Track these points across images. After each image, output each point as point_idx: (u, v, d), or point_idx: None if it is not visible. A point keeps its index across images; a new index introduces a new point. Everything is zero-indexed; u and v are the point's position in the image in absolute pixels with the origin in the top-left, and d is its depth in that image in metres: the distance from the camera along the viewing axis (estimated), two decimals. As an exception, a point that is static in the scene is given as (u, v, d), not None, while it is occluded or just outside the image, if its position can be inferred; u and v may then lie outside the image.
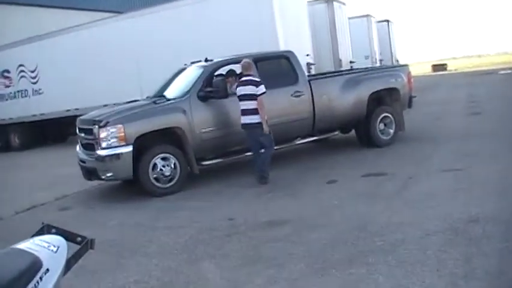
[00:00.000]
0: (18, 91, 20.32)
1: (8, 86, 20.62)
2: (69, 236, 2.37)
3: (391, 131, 10.35)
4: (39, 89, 19.62)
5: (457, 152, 9.06)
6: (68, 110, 18.02)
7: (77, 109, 17.47)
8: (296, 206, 6.83)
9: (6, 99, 20.68)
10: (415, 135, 11.00)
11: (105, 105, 15.01)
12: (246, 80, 8.13)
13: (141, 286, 4.72)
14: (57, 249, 2.13)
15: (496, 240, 4.71)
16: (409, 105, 11.05)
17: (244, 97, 8.07)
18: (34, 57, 19.38)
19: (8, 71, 20.51)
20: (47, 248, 2.09)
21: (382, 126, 10.26)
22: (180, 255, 5.40)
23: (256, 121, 7.98)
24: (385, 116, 10.28)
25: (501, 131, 10.61)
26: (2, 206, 9.12)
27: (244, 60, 8.41)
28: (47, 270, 1.97)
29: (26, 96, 20.12)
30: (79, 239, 2.41)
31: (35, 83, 19.74)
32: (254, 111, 7.97)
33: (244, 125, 8.15)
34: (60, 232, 2.34)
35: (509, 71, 34.31)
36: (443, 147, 9.58)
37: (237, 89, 8.16)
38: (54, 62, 18.64)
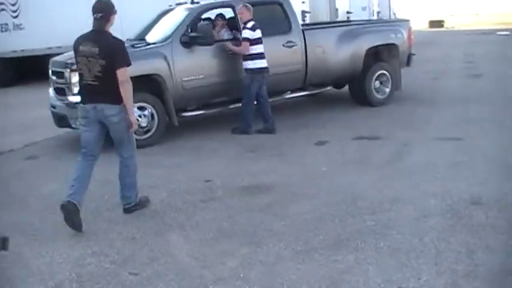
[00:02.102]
0: (-1, 24, 19.34)
1: (-14, 19, 19.60)
2: None
3: (387, 89, 9.73)
4: (20, 24, 18.64)
5: (457, 118, 8.47)
6: (49, 48, 17.20)
7: (59, 47, 16.65)
8: (280, 169, 6.25)
9: (-15, 33, 19.71)
10: (412, 96, 10.36)
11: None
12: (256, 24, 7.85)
13: (98, 259, 4.16)
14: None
15: (501, 230, 4.17)
16: (408, 64, 10.38)
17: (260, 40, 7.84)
18: (15, -12, 18.35)
19: (-14, 3, 19.45)
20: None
21: (377, 84, 9.63)
22: (146, 223, 4.85)
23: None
24: (381, 74, 9.63)
25: (503, 97, 10.01)
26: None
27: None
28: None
29: (6, 30, 19.12)
30: None
31: (15, 17, 18.74)
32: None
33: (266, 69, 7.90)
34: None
35: (507, 32, 33.55)
36: (442, 112, 8.97)
37: (256, 31, 7.76)
38: (36, -4, 17.69)
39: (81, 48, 4.81)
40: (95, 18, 4.82)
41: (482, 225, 4.26)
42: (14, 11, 18.72)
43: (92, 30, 4.89)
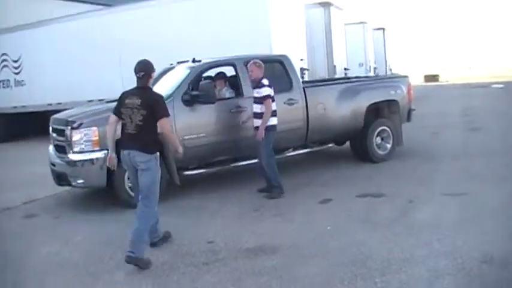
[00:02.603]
0: (0, 81, 19.52)
1: (-11, 75, 19.79)
2: None
3: (389, 145, 9.71)
4: (22, 80, 18.89)
5: (460, 172, 8.42)
6: (50, 104, 17.31)
7: (59, 103, 16.81)
8: (285, 229, 6.11)
9: (-14, 88, 19.85)
10: (414, 151, 10.34)
11: (90, 101, 14.48)
12: None
13: (99, 327, 3.99)
14: None
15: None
16: (409, 119, 10.41)
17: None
18: (18, 46, 18.61)
19: (-10, 60, 19.68)
20: None
21: (379, 140, 9.62)
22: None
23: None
24: (382, 130, 9.64)
25: (504, 150, 10.00)
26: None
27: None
28: None
29: (7, 86, 19.35)
30: None
31: (17, 74, 19.00)
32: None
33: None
34: None
35: (501, 86, 33.97)
36: (445, 166, 8.92)
37: (272, 88, 7.60)
38: (39, 53, 17.92)
39: (126, 101, 5.44)
40: (138, 77, 5.53)
41: (495, 285, 4.12)
42: (16, 68, 19.01)
43: (136, 87, 5.56)
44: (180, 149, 5.75)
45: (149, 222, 5.44)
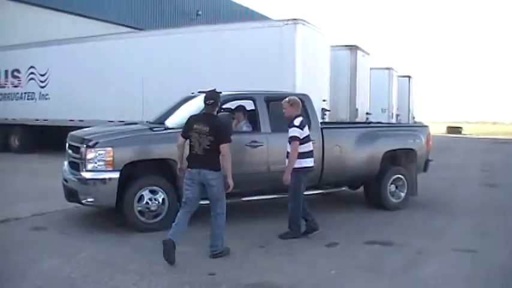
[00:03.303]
0: (25, 93, 19.96)
1: (16, 86, 20.26)
2: None
3: (403, 194, 9.59)
4: (47, 94, 19.26)
5: (473, 228, 8.29)
6: (71, 120, 17.58)
7: (81, 120, 17.11)
8: (288, 269, 6.02)
9: (12, 99, 20.29)
10: (428, 202, 10.21)
11: (111, 122, 14.66)
12: None
13: None
14: None
15: None
16: (425, 169, 10.30)
17: None
18: (47, 61, 19.08)
19: (18, 71, 20.19)
20: None
21: (393, 188, 9.51)
22: (143, 315, 4.63)
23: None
24: (397, 178, 9.54)
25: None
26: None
27: None
28: None
29: (32, 99, 19.74)
30: None
31: (43, 87, 19.38)
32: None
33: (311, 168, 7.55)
34: None
35: (524, 143, 33.67)
36: (458, 221, 8.78)
37: (304, 129, 7.30)
38: (65, 69, 18.37)
39: (195, 126, 6.31)
40: (207, 104, 6.42)
41: None
42: (42, 81, 19.37)
43: (204, 113, 6.50)
44: (230, 181, 6.38)
45: (223, 223, 6.55)
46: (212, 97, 6.46)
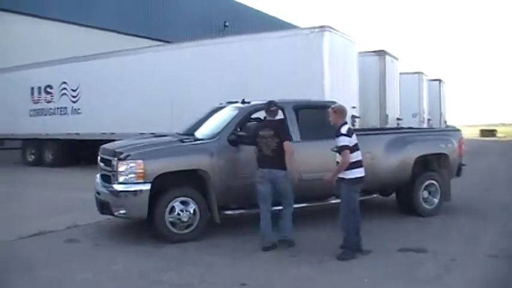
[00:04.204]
0: (58, 108, 20.37)
1: (49, 102, 20.71)
2: None
3: (436, 200, 9.43)
4: (78, 109, 19.61)
5: (508, 234, 8.11)
6: (103, 133, 17.88)
7: (113, 133, 17.38)
8: (321, 278, 5.98)
9: (45, 115, 20.71)
10: (462, 207, 10.02)
11: (142, 134, 14.84)
12: None
13: None
14: None
15: None
16: (458, 174, 10.11)
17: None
18: (78, 76, 19.48)
19: (51, 87, 20.63)
20: None
21: (426, 194, 9.36)
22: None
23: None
24: (430, 183, 9.39)
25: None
26: (10, 226, 8.69)
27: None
28: None
29: (64, 113, 20.13)
30: None
31: (75, 102, 19.74)
32: None
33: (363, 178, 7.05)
34: None
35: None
36: (493, 226, 8.60)
37: (353, 136, 6.94)
38: (96, 84, 18.71)
39: (260, 132, 7.27)
40: (271, 111, 7.39)
41: None
42: (74, 97, 19.73)
43: (266, 119, 7.48)
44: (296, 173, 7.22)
45: (291, 212, 7.40)
46: (275, 103, 7.48)
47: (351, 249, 6.81)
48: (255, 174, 7.36)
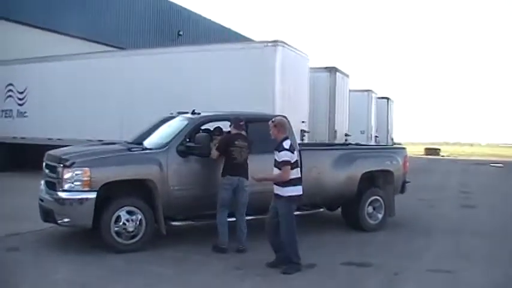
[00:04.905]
0: (2, 110, 19.73)
1: (-7, 103, 19.96)
2: None
3: (380, 215, 9.65)
4: (25, 112, 19.11)
5: (449, 249, 8.40)
6: (50, 139, 17.42)
7: (59, 139, 16.97)
8: (264, 291, 6.01)
9: (-11, 116, 19.98)
10: (405, 223, 10.29)
11: (89, 141, 14.58)
12: None
13: None
14: None
15: None
16: (402, 191, 10.38)
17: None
18: (25, 78, 18.95)
19: (-5, 88, 19.89)
20: None
21: (370, 209, 9.57)
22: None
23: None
24: (375, 199, 9.60)
25: (497, 230, 10.00)
26: None
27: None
28: None
29: (9, 116, 19.52)
30: None
31: (21, 105, 19.22)
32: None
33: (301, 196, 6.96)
34: None
35: (500, 165, 34.15)
36: (435, 242, 8.88)
37: (294, 152, 6.82)
38: (44, 87, 18.31)
39: (236, 142, 7.64)
40: (240, 125, 7.85)
41: None
42: (21, 99, 19.21)
43: (238, 133, 7.79)
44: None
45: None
46: (242, 120, 7.93)
47: (296, 263, 6.77)
48: (206, 184, 7.65)
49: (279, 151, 6.71)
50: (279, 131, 6.89)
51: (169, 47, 19.33)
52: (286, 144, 6.75)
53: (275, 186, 6.82)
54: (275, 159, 6.81)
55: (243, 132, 7.88)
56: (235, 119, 7.86)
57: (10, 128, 19.13)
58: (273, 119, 7.06)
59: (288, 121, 8.82)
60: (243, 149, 7.62)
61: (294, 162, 6.75)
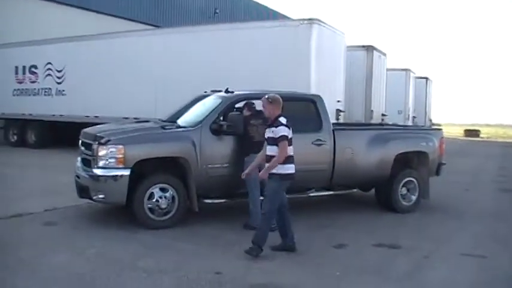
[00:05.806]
0: (42, 88, 20.18)
1: (33, 82, 20.47)
2: None
3: (414, 197, 9.54)
4: (63, 90, 19.46)
5: (484, 234, 8.23)
6: (87, 116, 17.76)
7: (96, 116, 17.32)
8: (294, 270, 6.04)
9: (29, 95, 20.50)
10: (440, 206, 10.14)
11: (126, 118, 14.80)
12: None
13: None
14: None
15: None
16: (437, 173, 10.20)
17: None
18: (64, 57, 19.30)
19: (35, 67, 20.41)
20: None
21: (404, 190, 9.46)
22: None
23: None
24: (409, 180, 9.49)
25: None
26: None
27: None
28: None
29: (49, 95, 19.94)
30: None
31: (59, 83, 19.57)
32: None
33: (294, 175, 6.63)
34: None
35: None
36: (468, 226, 8.73)
37: (291, 128, 6.51)
38: (82, 66, 18.58)
39: (251, 122, 7.79)
40: (253, 108, 8.05)
41: None
42: (59, 78, 19.54)
43: (257, 111, 7.81)
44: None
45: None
46: (253, 103, 8.11)
47: (259, 246, 6.45)
48: (239, 162, 7.54)
49: (276, 126, 6.42)
50: (274, 107, 6.62)
51: (204, 25, 19.26)
52: (283, 120, 6.51)
53: (267, 164, 6.50)
54: (269, 137, 6.52)
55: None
56: (248, 103, 8.11)
57: (49, 105, 19.55)
58: (267, 96, 6.73)
59: (322, 100, 8.86)
60: (259, 127, 7.62)
61: (290, 139, 6.49)
